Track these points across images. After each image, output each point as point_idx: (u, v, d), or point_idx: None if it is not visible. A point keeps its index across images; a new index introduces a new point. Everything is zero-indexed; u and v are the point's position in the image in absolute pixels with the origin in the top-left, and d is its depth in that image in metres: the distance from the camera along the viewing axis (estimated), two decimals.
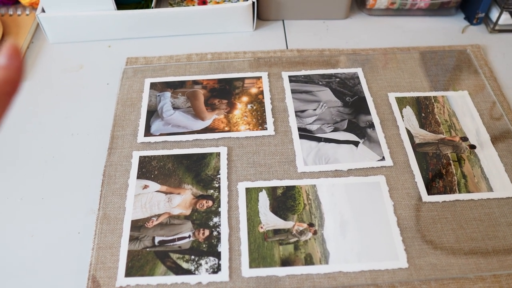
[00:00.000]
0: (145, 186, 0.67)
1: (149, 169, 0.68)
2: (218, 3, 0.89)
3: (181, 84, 0.79)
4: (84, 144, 0.73)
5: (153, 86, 0.79)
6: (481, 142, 0.71)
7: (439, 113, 0.75)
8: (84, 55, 0.86)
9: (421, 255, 0.60)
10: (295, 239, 0.62)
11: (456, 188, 0.66)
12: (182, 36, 0.89)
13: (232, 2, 0.88)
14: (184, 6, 0.89)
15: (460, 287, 0.58)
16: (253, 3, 0.84)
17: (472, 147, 0.70)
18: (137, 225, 0.63)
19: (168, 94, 0.78)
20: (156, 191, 0.66)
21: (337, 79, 0.79)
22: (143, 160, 0.69)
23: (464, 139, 0.71)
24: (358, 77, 0.79)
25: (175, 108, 0.75)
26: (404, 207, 0.64)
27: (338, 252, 0.60)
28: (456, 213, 0.64)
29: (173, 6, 0.89)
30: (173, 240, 0.62)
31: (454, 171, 0.68)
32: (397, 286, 0.58)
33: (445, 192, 0.66)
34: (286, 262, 0.60)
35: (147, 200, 0.65)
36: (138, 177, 0.68)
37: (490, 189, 0.66)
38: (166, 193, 0.66)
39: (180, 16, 0.84)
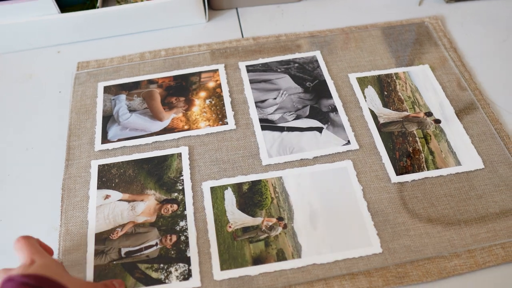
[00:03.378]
0: (107, 196, 0.64)
1: (109, 177, 0.66)
2: None
3: (136, 85, 0.76)
4: (40, 158, 0.69)
5: (107, 89, 0.75)
6: (446, 116, 0.70)
7: (402, 90, 0.73)
8: (32, 63, 0.82)
9: (394, 238, 0.59)
10: (265, 235, 0.60)
11: (424, 166, 0.65)
12: (133, 34, 0.85)
13: None
14: (132, 2, 0.86)
15: (436, 267, 0.57)
16: None
17: (437, 121, 0.69)
18: (102, 238, 0.60)
19: (123, 96, 0.74)
20: (118, 200, 0.64)
21: (296, 65, 0.77)
22: (102, 169, 0.67)
23: (429, 114, 0.70)
24: (317, 61, 0.77)
25: (131, 110, 0.72)
26: (373, 191, 0.63)
27: (310, 245, 0.59)
28: (426, 191, 0.63)
29: (121, 4, 0.85)
30: (140, 250, 0.59)
31: (421, 148, 0.67)
32: (373, 273, 0.57)
33: (413, 171, 0.65)
34: (258, 260, 0.58)
35: (110, 210, 0.63)
36: (98, 187, 0.65)
37: (458, 163, 0.65)
38: (129, 201, 0.64)
39: (128, 14, 0.80)
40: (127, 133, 0.70)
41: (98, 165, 0.67)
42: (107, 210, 0.63)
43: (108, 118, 0.72)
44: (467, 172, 0.65)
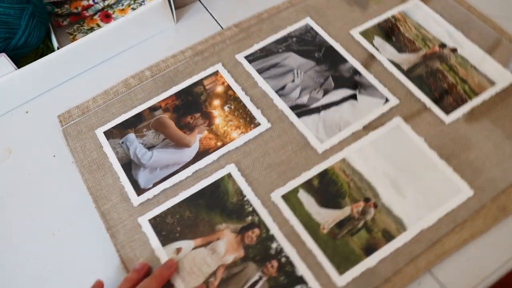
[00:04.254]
0: (178, 250, 0.56)
1: (168, 229, 0.58)
2: (123, 10, 0.74)
3: (139, 118, 0.66)
4: (75, 239, 0.59)
5: (109, 135, 0.65)
6: (458, 42, 0.70)
7: (406, 30, 0.72)
8: (4, 134, 0.68)
9: (477, 176, 0.59)
10: (362, 222, 0.57)
11: (465, 96, 0.65)
12: (103, 63, 0.73)
13: (138, 3, 0.74)
14: (86, 29, 0.74)
15: None
16: None
17: (454, 50, 0.69)
18: None
19: (131, 136, 0.65)
20: (193, 249, 0.56)
21: (294, 39, 0.72)
22: (156, 223, 0.58)
23: (443, 45, 0.70)
24: (312, 28, 0.73)
25: (150, 147, 0.64)
26: (435, 137, 0.62)
27: (409, 213, 0.57)
28: (479, 120, 0.63)
29: (74, 35, 0.73)
30: None
31: (454, 81, 0.66)
32: (475, 216, 0.57)
33: (458, 105, 0.64)
34: (369, 249, 0.55)
35: (190, 263, 0.55)
36: (163, 245, 0.57)
37: (492, 82, 0.66)
38: (204, 245, 0.56)
39: (91, 45, 0.68)
40: (160, 173, 0.62)
41: (149, 220, 0.58)
42: (187, 264, 0.55)
43: (129, 165, 0.62)
44: (505, 88, 0.66)
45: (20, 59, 0.67)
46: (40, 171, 0.65)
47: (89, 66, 0.72)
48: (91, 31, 0.74)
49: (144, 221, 0.58)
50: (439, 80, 0.66)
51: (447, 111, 0.64)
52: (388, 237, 0.56)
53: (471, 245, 0.56)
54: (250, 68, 0.69)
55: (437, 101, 0.65)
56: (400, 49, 0.70)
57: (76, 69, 0.71)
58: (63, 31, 0.74)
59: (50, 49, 0.70)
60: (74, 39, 0.73)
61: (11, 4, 0.63)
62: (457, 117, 0.63)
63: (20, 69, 0.64)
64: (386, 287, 0.53)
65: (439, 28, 0.71)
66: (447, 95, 0.65)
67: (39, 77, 0.68)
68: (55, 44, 0.68)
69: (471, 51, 0.69)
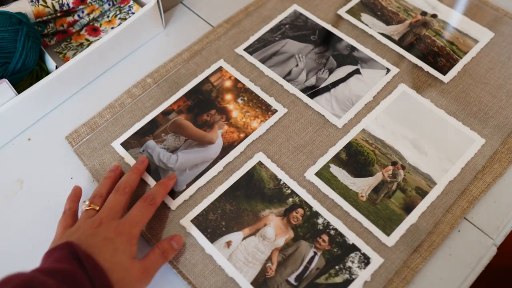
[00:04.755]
0: (228, 244, 0.57)
1: (213, 225, 0.58)
2: (110, 22, 0.73)
3: (154, 124, 0.66)
4: None
5: (126, 145, 0.64)
6: (436, 8, 0.75)
7: (388, 4, 0.76)
8: (11, 166, 0.65)
9: (484, 125, 0.64)
10: (395, 184, 0.60)
11: (455, 56, 0.70)
12: (102, 76, 0.71)
13: (125, 12, 0.73)
14: (75, 45, 0.71)
15: None
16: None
17: (434, 16, 0.74)
18: (261, 282, 0.54)
19: (151, 142, 0.64)
20: (243, 240, 0.57)
21: (287, 26, 0.74)
22: (199, 222, 0.58)
23: (424, 13, 0.75)
24: (301, 13, 0.75)
25: (173, 151, 0.63)
26: (439, 97, 0.67)
27: (435, 169, 0.61)
28: (472, 75, 0.69)
29: (63, 53, 0.70)
30: (306, 268, 0.55)
31: (442, 43, 0.71)
32: (491, 161, 0.62)
33: (452, 65, 0.69)
34: (407, 208, 0.58)
35: (244, 253, 0.56)
36: (212, 241, 0.57)
37: (475, 41, 0.72)
38: (253, 234, 0.57)
39: (88, 60, 0.66)
40: (190, 174, 0.61)
41: (191, 221, 0.58)
42: (241, 255, 0.56)
43: (156, 171, 0.62)
44: (486, 44, 0.71)
45: (19, 86, 0.64)
46: (60, 196, 0.61)
47: (85, 83, 0.70)
48: (81, 47, 0.72)
49: (187, 223, 0.58)
50: (429, 45, 0.71)
51: (443, 71, 0.69)
52: (422, 193, 0.59)
53: (494, 188, 0.60)
54: (252, 59, 0.71)
55: (432, 64, 0.69)
56: (387, 22, 0.74)
57: (75, 87, 0.69)
58: (52, 51, 0.72)
59: (44, 71, 0.67)
60: (65, 58, 0.70)
61: (4, 27, 0.60)
62: (454, 76, 0.68)
63: (21, 94, 0.61)
64: (431, 239, 0.56)
65: None
66: (439, 57, 0.70)
67: (38, 101, 0.65)
68: (53, 64, 0.65)
69: (449, 15, 0.74)
